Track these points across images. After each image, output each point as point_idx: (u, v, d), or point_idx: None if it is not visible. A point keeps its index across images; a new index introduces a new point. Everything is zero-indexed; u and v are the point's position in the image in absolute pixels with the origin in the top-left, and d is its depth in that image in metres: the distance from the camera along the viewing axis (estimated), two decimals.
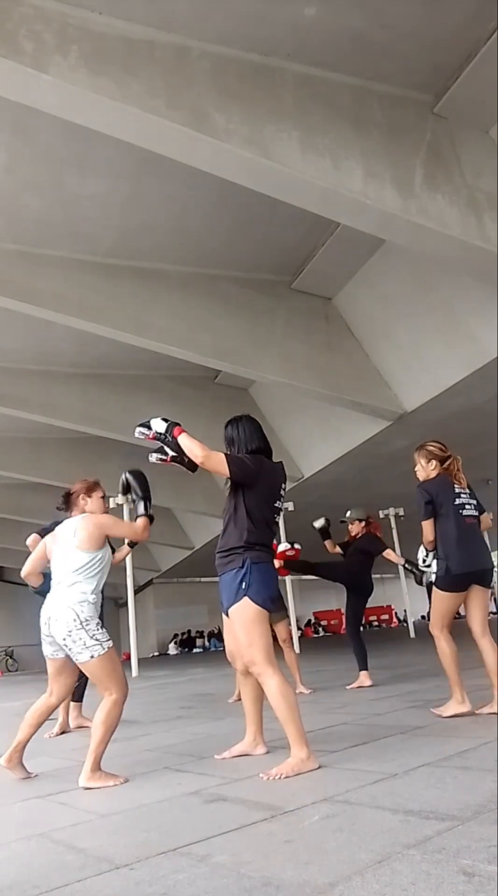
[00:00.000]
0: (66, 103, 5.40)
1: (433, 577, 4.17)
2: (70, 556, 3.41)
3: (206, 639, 26.22)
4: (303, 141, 5.95)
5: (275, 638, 5.28)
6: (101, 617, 3.58)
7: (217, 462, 3.08)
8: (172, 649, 25.60)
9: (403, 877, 1.63)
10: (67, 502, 3.67)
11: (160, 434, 3.23)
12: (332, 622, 28.32)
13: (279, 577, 4.58)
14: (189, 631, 26.56)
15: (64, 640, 3.23)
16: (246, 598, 3.03)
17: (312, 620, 27.89)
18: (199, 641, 26.15)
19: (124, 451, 14.86)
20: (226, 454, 3.14)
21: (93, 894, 1.80)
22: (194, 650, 25.53)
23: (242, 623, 3.04)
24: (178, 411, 13.05)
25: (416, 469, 4.23)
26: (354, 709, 4.69)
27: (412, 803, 2.22)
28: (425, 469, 4.15)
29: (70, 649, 3.24)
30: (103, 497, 3.66)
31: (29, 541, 5.09)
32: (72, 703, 5.28)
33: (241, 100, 5.77)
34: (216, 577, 5.84)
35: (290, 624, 6.80)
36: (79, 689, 5.39)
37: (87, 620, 3.23)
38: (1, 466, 15.32)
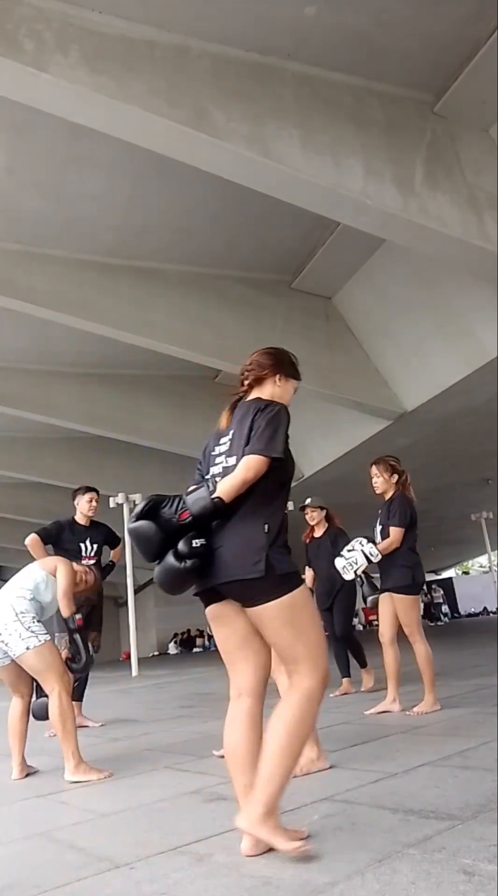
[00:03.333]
0: (67, 102, 5.40)
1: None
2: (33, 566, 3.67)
3: (206, 638, 26.21)
4: (303, 140, 5.96)
5: None
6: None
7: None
8: (172, 649, 25.60)
9: (404, 876, 1.63)
10: None
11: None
12: None
13: None
14: (189, 630, 26.56)
15: (1, 634, 3.30)
16: None
17: None
18: (199, 641, 26.13)
19: (124, 450, 14.91)
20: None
21: (93, 893, 1.80)
22: (194, 649, 25.53)
23: None
24: (179, 411, 13.10)
25: (374, 481, 4.43)
26: (354, 708, 4.68)
27: (412, 802, 2.22)
28: (388, 481, 4.39)
29: (7, 644, 3.29)
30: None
31: (28, 541, 5.10)
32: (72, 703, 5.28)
33: (242, 99, 5.77)
34: None
35: None
36: (78, 688, 5.39)
37: (23, 612, 3.32)
38: (1, 466, 15.32)
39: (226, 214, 8.39)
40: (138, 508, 1.99)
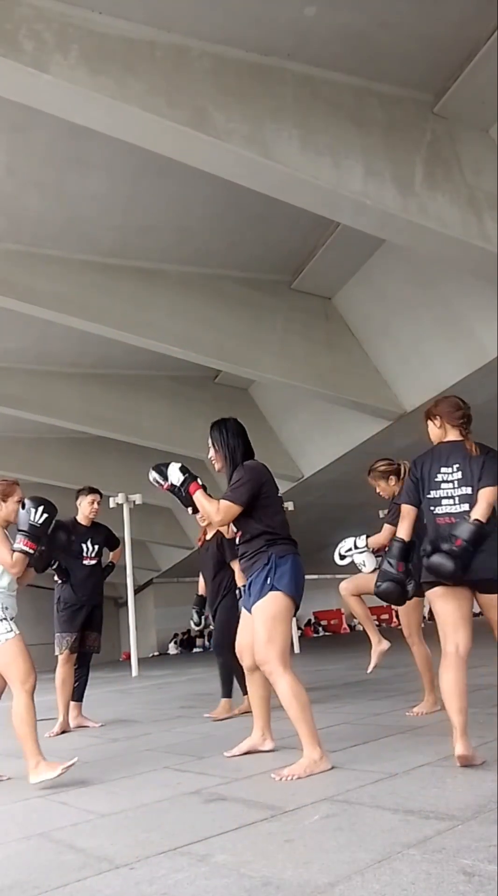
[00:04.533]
0: (67, 103, 5.40)
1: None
2: None
3: (206, 638, 26.19)
4: (303, 140, 5.96)
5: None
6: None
7: (230, 512, 3.11)
8: (172, 649, 25.58)
9: (403, 876, 1.63)
10: None
11: (175, 487, 3.22)
12: (332, 622, 28.35)
13: None
14: (189, 631, 26.54)
15: None
16: (273, 592, 3.01)
17: (312, 620, 27.90)
18: (199, 641, 26.11)
19: (124, 450, 14.90)
20: (229, 497, 3.12)
21: (93, 894, 1.80)
22: (194, 650, 25.51)
23: (268, 617, 3.00)
24: (179, 411, 13.10)
25: (377, 490, 4.42)
26: (354, 708, 4.69)
27: (412, 803, 2.22)
28: (388, 486, 4.35)
29: None
30: (19, 501, 3.54)
31: None
32: (72, 703, 5.28)
33: (242, 99, 5.77)
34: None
35: None
36: (79, 688, 5.40)
37: None
38: (1, 466, 15.30)
39: (226, 214, 8.39)
40: (429, 548, 2.76)
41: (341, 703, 5.06)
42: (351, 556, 4.30)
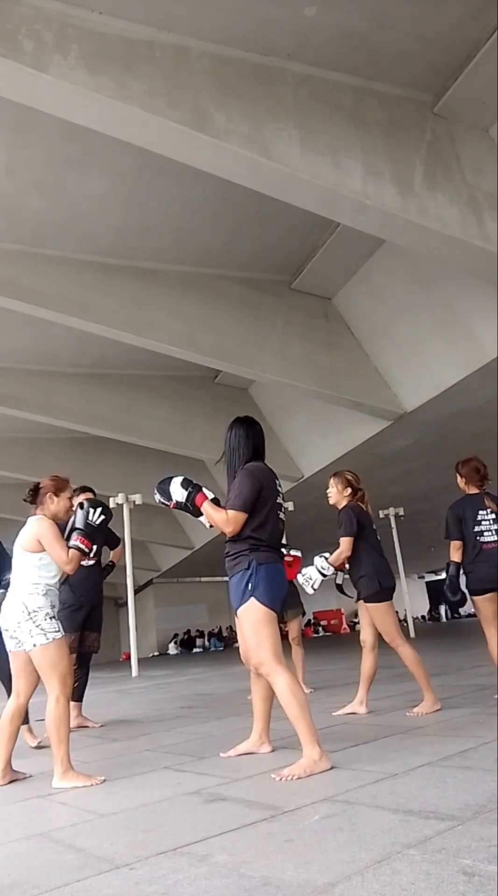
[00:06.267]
0: (67, 103, 5.41)
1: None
2: (19, 553, 3.47)
3: (206, 639, 26.24)
4: (303, 140, 5.96)
5: (284, 636, 5.24)
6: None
7: (239, 520, 3.09)
8: (172, 649, 25.61)
9: (403, 877, 1.63)
10: (34, 497, 3.59)
11: (181, 503, 3.21)
12: (332, 622, 28.39)
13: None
14: (189, 631, 26.58)
15: (14, 630, 3.30)
16: (252, 599, 3.03)
17: (312, 620, 27.92)
18: (199, 641, 26.16)
19: (124, 450, 14.90)
20: (235, 505, 3.10)
21: (93, 894, 1.80)
22: (194, 650, 25.54)
23: (250, 624, 3.04)
24: (179, 411, 13.11)
25: (328, 492, 4.50)
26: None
27: (412, 803, 2.22)
28: (341, 493, 4.44)
29: (19, 640, 3.29)
30: (71, 497, 3.61)
31: None
32: (72, 703, 5.27)
33: (242, 99, 5.77)
34: (216, 576, 5.84)
35: (302, 622, 6.61)
36: (78, 688, 5.39)
37: (34, 611, 3.27)
38: (1, 466, 15.30)
39: (226, 214, 8.40)
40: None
41: (341, 703, 5.06)
42: (320, 582, 4.39)
